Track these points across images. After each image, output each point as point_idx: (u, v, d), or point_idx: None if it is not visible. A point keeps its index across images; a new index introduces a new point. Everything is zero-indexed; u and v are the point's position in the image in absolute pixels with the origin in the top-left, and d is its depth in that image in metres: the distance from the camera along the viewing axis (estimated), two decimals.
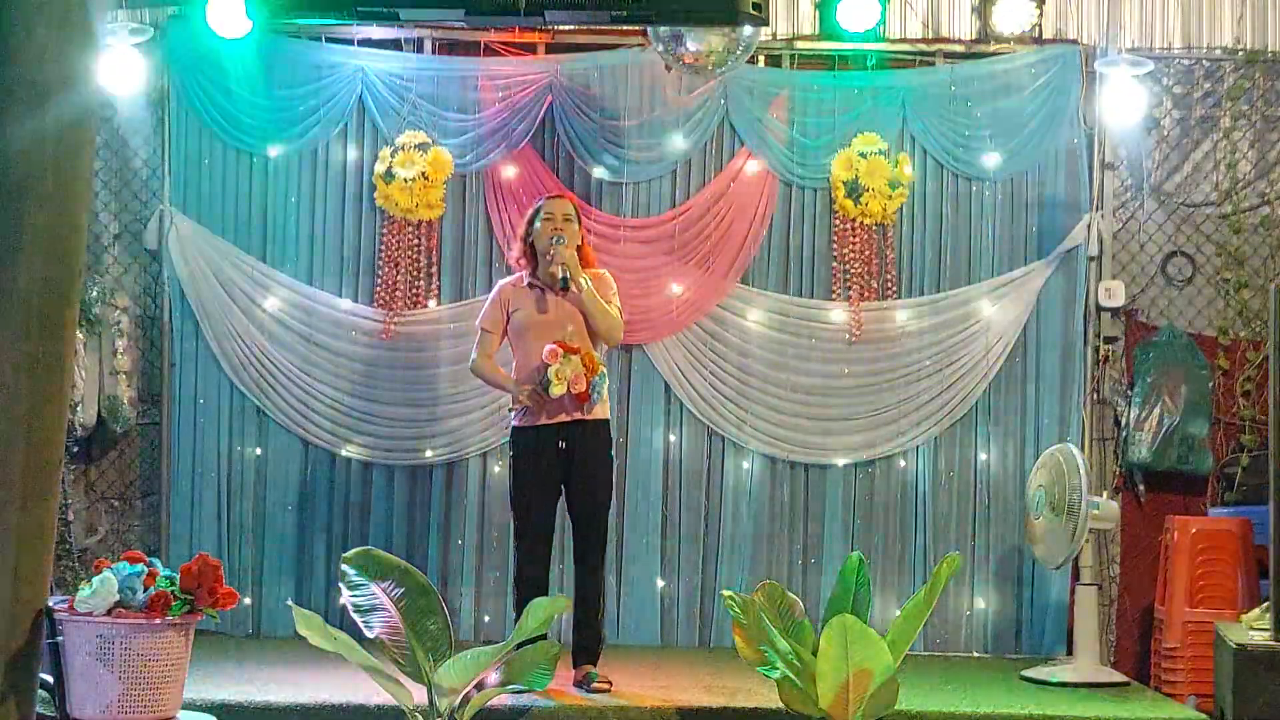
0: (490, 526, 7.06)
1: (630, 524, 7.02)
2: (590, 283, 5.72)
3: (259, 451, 7.11)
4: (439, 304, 7.11)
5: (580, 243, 5.86)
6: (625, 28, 6.64)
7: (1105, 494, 6.68)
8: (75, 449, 6.96)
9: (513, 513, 5.85)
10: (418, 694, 4.69)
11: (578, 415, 5.67)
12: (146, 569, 4.09)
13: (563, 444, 5.69)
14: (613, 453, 5.87)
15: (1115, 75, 6.87)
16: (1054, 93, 7.05)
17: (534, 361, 5.65)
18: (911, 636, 4.95)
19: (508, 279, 6.03)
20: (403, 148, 7.03)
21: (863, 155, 7.02)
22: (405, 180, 7.00)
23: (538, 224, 5.81)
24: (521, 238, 5.93)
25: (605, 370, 5.70)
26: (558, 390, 5.54)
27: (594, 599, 5.78)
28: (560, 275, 5.66)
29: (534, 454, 5.72)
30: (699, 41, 6.23)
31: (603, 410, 5.76)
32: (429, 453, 7.06)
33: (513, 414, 5.83)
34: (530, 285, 5.81)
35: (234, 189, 7.15)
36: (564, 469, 5.72)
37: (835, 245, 7.09)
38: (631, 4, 5.69)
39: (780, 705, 5.04)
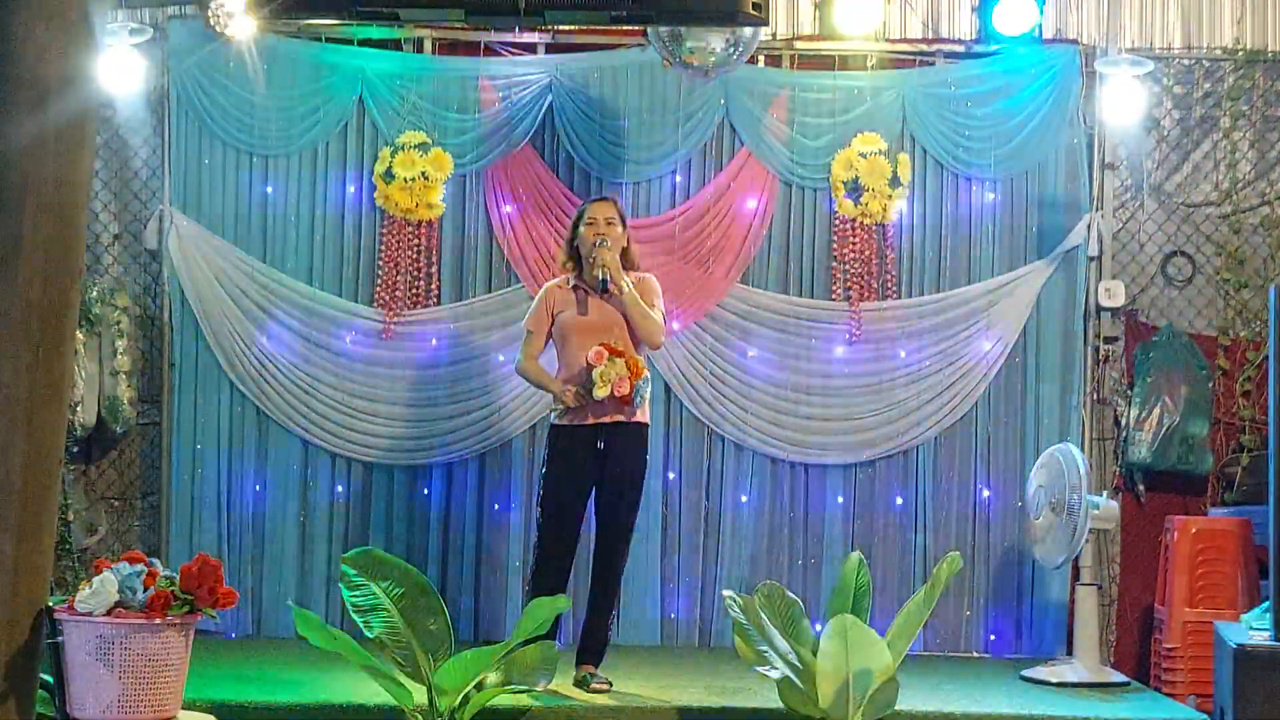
0: (490, 526, 7.06)
1: None
2: (631, 286, 5.71)
3: (259, 451, 7.11)
4: (439, 304, 7.11)
5: (625, 245, 5.85)
6: (625, 28, 6.64)
7: (1105, 494, 6.68)
8: (75, 449, 6.97)
9: (540, 508, 5.82)
10: (418, 694, 4.70)
11: (618, 417, 5.67)
12: (146, 569, 4.09)
13: (601, 444, 5.68)
14: (648, 458, 5.82)
15: (1115, 75, 6.88)
16: (1054, 93, 7.05)
17: (578, 363, 5.65)
18: (911, 636, 4.96)
19: (554, 280, 6.01)
20: (403, 148, 7.03)
21: (863, 155, 7.02)
22: (405, 180, 7.00)
23: (581, 228, 5.81)
24: (566, 241, 5.93)
25: (649, 374, 5.68)
26: (601, 392, 5.54)
27: (608, 603, 5.78)
28: (600, 278, 5.68)
29: (571, 452, 5.71)
30: (699, 41, 6.23)
31: (643, 414, 5.73)
32: (429, 453, 7.06)
33: (553, 413, 5.83)
34: (575, 288, 5.81)
35: (234, 189, 7.15)
36: (598, 470, 5.70)
37: (835, 245, 7.10)
38: (631, 4, 5.69)
39: (780, 705, 5.04)
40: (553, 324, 5.83)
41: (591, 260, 5.73)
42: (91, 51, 4.09)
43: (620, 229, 5.82)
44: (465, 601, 6.99)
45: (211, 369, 7.09)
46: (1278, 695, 4.91)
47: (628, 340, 5.69)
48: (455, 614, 6.66)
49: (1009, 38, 7.04)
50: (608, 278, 5.66)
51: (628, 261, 5.86)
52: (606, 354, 5.56)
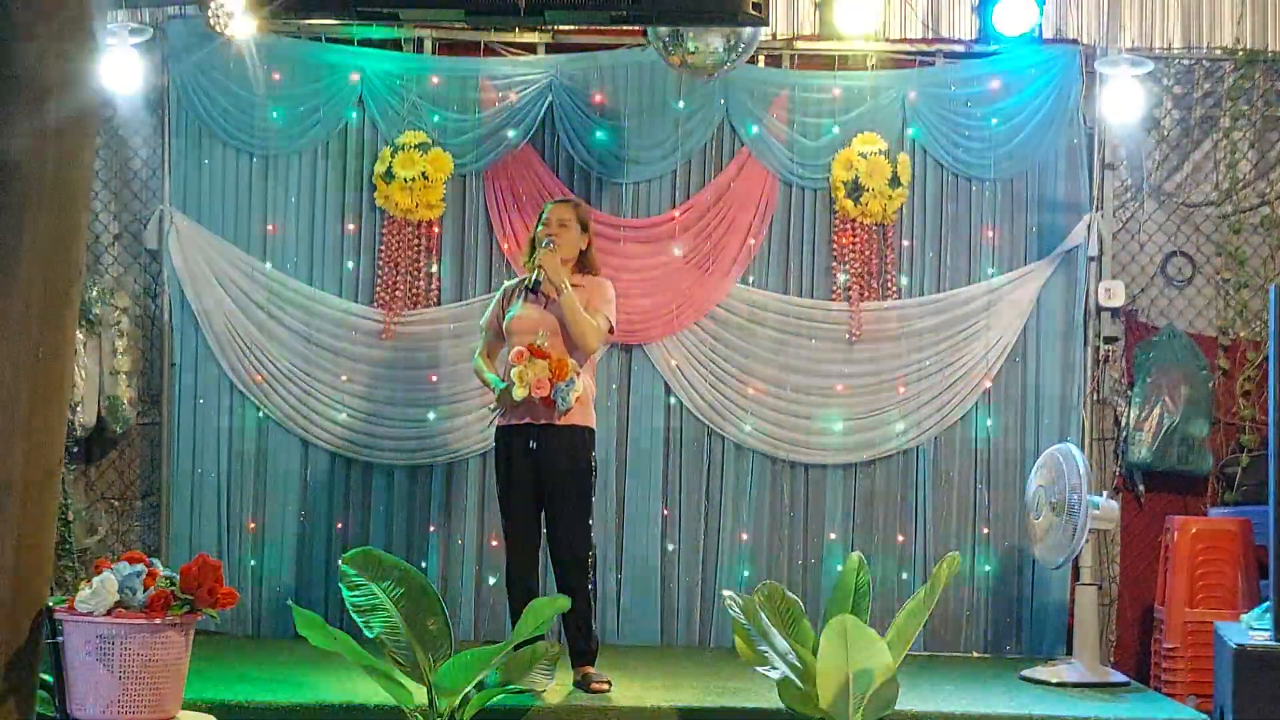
0: (490, 527, 7.05)
1: (630, 524, 7.02)
2: (569, 288, 5.67)
3: (259, 451, 7.11)
4: (439, 304, 7.11)
5: (585, 246, 5.85)
6: (625, 28, 6.64)
7: (1105, 494, 6.68)
8: (75, 449, 6.96)
9: (500, 513, 5.86)
10: (418, 694, 4.70)
11: (546, 419, 5.64)
12: (146, 569, 4.10)
13: (532, 444, 5.67)
14: (590, 460, 5.74)
15: (1115, 75, 6.88)
16: (1054, 93, 7.05)
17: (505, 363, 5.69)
18: (911, 636, 4.95)
19: (513, 280, 6.04)
20: (403, 148, 7.03)
21: (863, 155, 7.02)
22: (405, 180, 7.00)
23: (539, 227, 5.83)
24: (530, 240, 5.95)
25: (575, 377, 5.58)
26: (519, 393, 5.52)
27: (581, 606, 5.62)
28: (532, 279, 5.69)
29: (507, 453, 5.73)
30: (699, 41, 6.23)
31: (580, 416, 5.67)
32: (429, 453, 7.06)
33: (495, 412, 5.84)
34: (525, 288, 5.81)
35: (234, 189, 7.15)
36: (536, 472, 5.68)
37: (835, 245, 7.10)
38: (631, 4, 5.68)
39: (780, 705, 5.05)
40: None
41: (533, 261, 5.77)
42: (91, 51, 4.09)
43: (576, 233, 5.80)
44: (465, 601, 6.99)
45: (211, 369, 7.09)
46: (1278, 695, 4.91)
47: (561, 342, 5.66)
48: (455, 614, 6.71)
49: (1009, 38, 7.03)
50: (538, 279, 5.67)
51: (587, 265, 5.85)
52: (527, 354, 5.55)
